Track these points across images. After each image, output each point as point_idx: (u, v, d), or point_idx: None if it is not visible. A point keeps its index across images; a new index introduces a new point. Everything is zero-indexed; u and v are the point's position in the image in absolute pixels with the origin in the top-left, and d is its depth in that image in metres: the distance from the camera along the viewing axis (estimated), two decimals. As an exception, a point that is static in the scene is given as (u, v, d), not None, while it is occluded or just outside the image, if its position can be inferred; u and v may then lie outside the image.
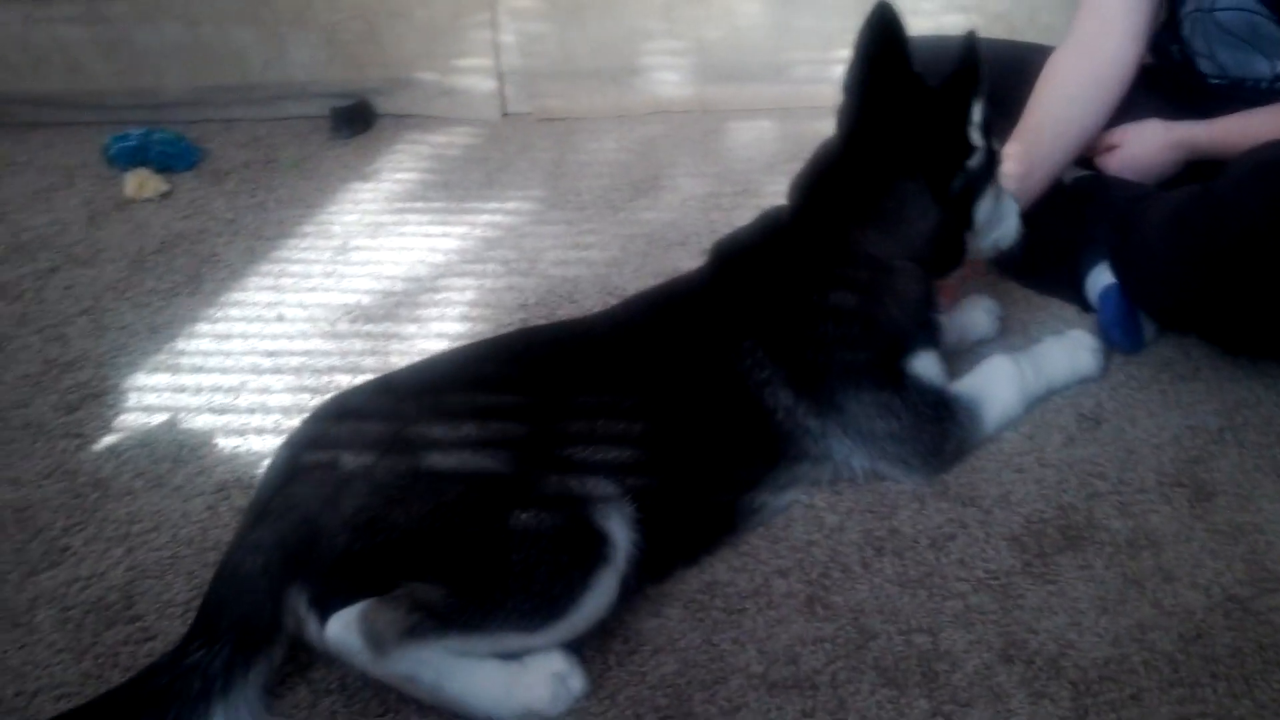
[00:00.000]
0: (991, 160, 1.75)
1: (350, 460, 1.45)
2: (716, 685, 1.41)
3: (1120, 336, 1.91)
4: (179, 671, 1.33)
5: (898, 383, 1.68)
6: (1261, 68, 1.89)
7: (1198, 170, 1.90)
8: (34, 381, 2.10)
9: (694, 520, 1.59)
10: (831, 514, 1.66)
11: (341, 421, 1.56)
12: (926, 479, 1.70)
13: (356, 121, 3.10)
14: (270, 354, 2.16)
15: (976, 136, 1.70)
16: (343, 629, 1.32)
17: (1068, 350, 1.88)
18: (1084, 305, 2.03)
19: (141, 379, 2.10)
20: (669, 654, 1.46)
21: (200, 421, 1.97)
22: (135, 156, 2.92)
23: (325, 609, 1.35)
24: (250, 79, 3.16)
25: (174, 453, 1.88)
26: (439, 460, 1.45)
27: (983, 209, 1.76)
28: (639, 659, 1.45)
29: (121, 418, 1.99)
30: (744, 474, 1.63)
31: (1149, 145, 1.96)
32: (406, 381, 1.67)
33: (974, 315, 2.01)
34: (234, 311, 2.32)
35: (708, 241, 1.86)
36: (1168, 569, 1.52)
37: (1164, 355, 1.92)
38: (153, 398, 2.04)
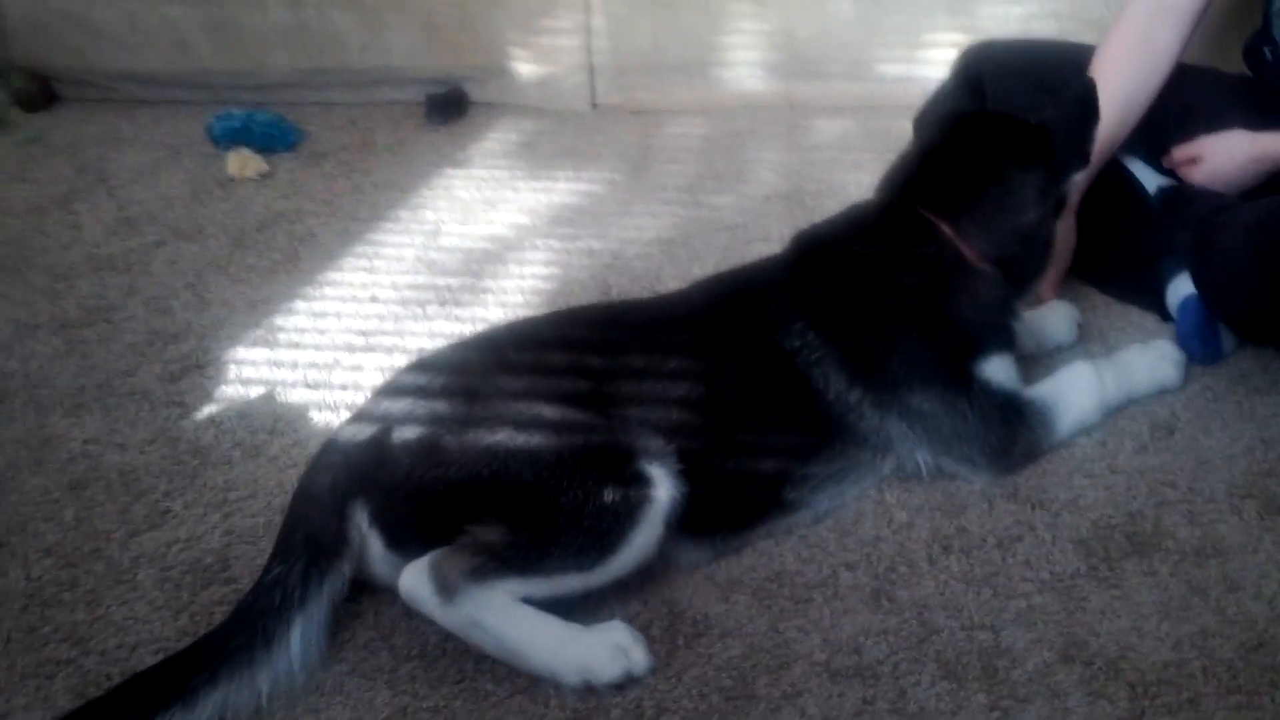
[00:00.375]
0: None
1: (420, 403, 1.58)
2: (780, 670, 1.46)
3: (1198, 347, 1.92)
4: (261, 588, 1.47)
5: (965, 383, 1.71)
6: None
7: (1280, 182, 1.90)
8: (140, 351, 2.20)
9: (738, 484, 1.65)
10: (901, 511, 1.70)
11: (415, 372, 1.70)
12: (993, 478, 1.73)
13: (450, 108, 3.18)
14: (363, 333, 2.24)
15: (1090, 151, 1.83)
16: (414, 577, 1.45)
17: (1150, 360, 1.89)
18: (1163, 314, 2.04)
19: (241, 353, 2.19)
20: (735, 638, 1.51)
21: (295, 396, 2.06)
22: (238, 136, 3.02)
23: (385, 528, 1.49)
24: (349, 63, 3.24)
25: (270, 424, 1.97)
26: (501, 407, 1.56)
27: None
28: (706, 641, 1.51)
29: (221, 389, 2.09)
30: (788, 448, 1.68)
31: (1234, 157, 1.95)
32: (479, 340, 1.82)
33: (1054, 320, 2.03)
34: (329, 290, 2.41)
35: (786, 237, 1.90)
36: (1233, 579, 1.53)
37: (1241, 368, 1.92)
38: (251, 371, 2.14)
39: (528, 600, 1.46)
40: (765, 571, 1.61)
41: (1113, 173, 2.17)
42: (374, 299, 2.36)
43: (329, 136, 3.14)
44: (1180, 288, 1.97)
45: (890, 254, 1.77)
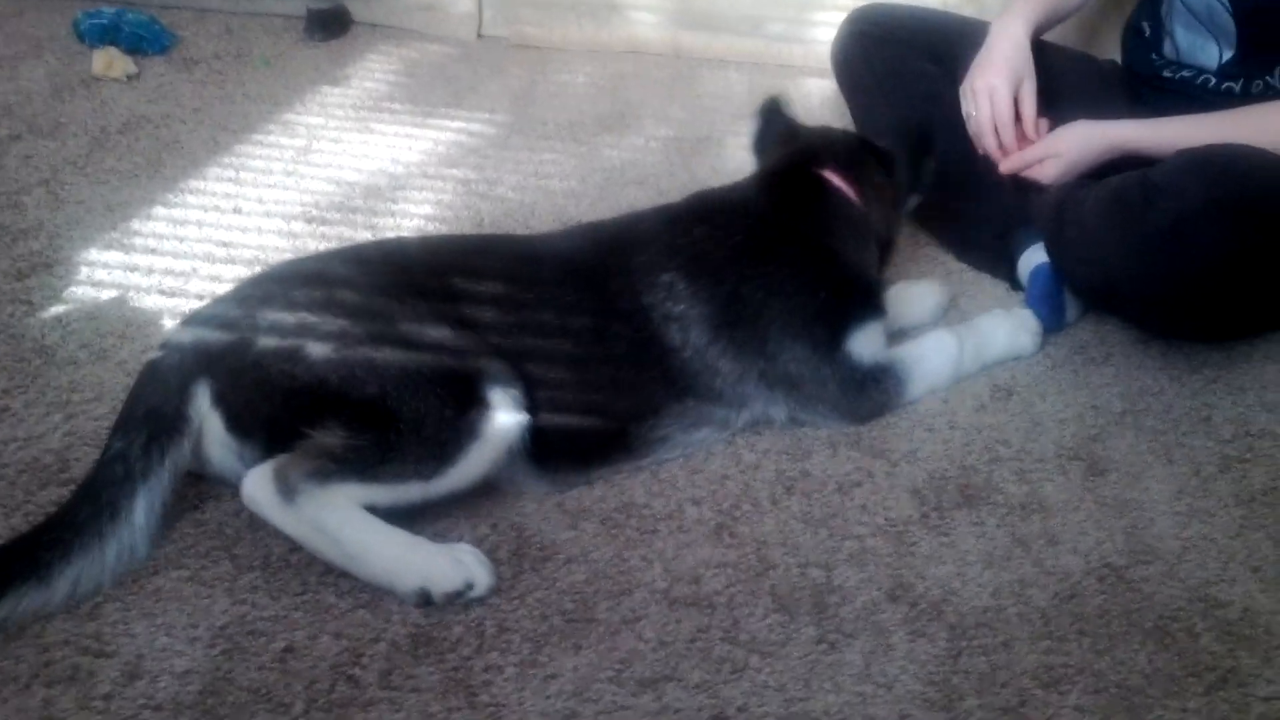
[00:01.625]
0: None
1: (279, 303, 1.58)
2: (621, 596, 1.49)
3: (1045, 314, 2.00)
4: (104, 463, 1.48)
5: (835, 347, 1.76)
6: (1212, 56, 1.97)
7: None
8: (-10, 247, 2.12)
9: (583, 424, 1.68)
10: (750, 452, 1.74)
11: (278, 274, 1.74)
12: (841, 428, 1.79)
13: (332, 25, 3.10)
14: (224, 244, 2.19)
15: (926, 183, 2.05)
16: (256, 480, 1.46)
17: (1010, 330, 1.96)
18: (1015, 284, 2.12)
19: (94, 254, 2.13)
20: (580, 564, 1.54)
21: (149, 301, 2.01)
22: (106, 35, 2.90)
23: (227, 410, 1.51)
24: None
25: (120, 329, 1.92)
26: (355, 319, 1.57)
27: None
28: (551, 566, 1.54)
29: (71, 289, 2.02)
30: (639, 399, 1.70)
31: (1090, 149, 2.02)
32: (346, 254, 1.82)
33: (920, 296, 2.09)
34: (191, 199, 2.34)
35: (665, 183, 1.94)
36: (1053, 534, 1.62)
37: (1081, 338, 2.02)
38: (103, 274, 2.07)
39: (372, 510, 1.47)
40: (615, 502, 1.64)
41: (973, 146, 2.24)
42: (237, 210, 2.30)
43: (203, 43, 3.04)
44: (1032, 258, 2.05)
45: (780, 209, 1.83)
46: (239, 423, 1.51)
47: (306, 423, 1.47)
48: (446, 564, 1.47)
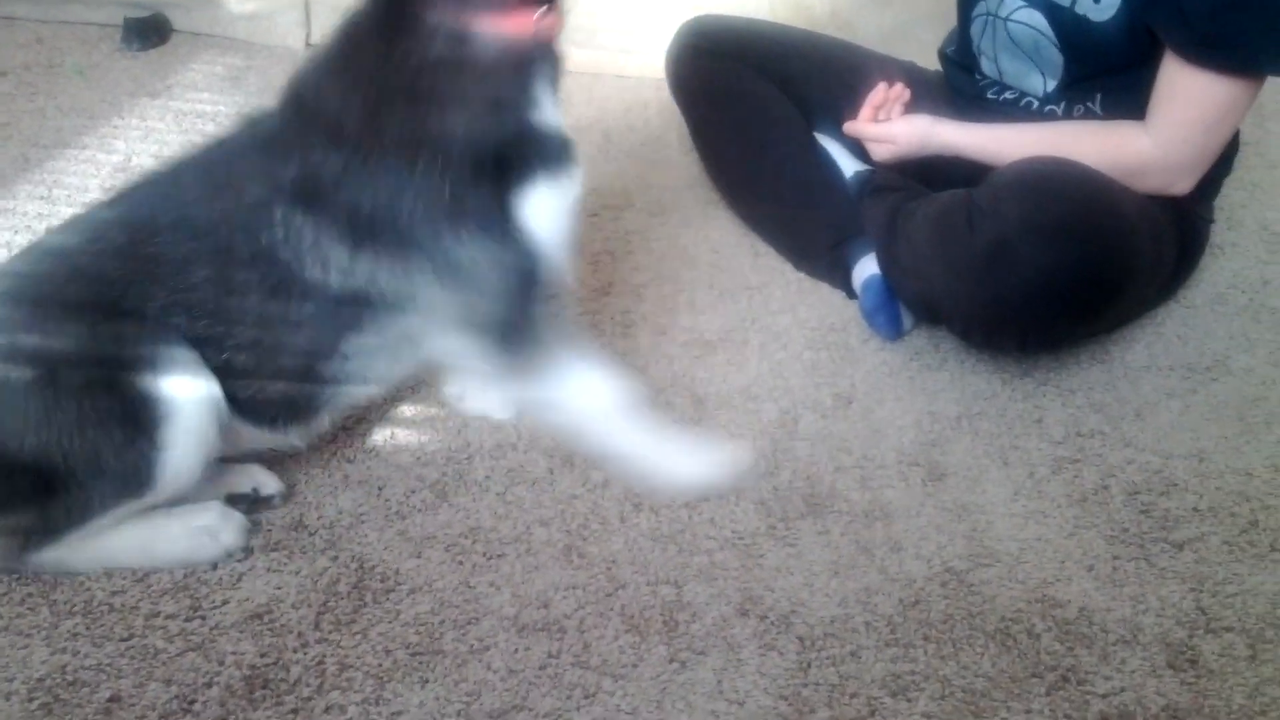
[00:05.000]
0: None
1: None
2: (469, 625, 1.46)
3: (882, 323, 2.04)
4: None
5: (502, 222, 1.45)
6: (1036, 84, 2.03)
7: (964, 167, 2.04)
8: None
9: (271, 380, 1.53)
10: (597, 470, 1.72)
11: None
12: (499, 360, 1.56)
13: (150, 34, 2.97)
14: (36, 267, 2.06)
15: None
16: None
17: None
18: (849, 293, 2.16)
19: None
20: (425, 594, 1.50)
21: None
22: (-100, 44, 2.73)
23: None
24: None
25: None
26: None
27: None
28: (395, 597, 1.49)
29: None
30: (305, 344, 1.52)
31: (923, 146, 2.07)
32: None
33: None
34: (1, 220, 2.21)
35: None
36: (897, 539, 1.64)
37: (916, 345, 2.06)
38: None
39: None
40: (460, 527, 1.61)
41: (812, 153, 2.28)
42: (49, 231, 2.17)
43: (10, 53, 2.87)
44: (866, 268, 2.10)
45: (376, 65, 1.42)
46: None
47: None
48: (187, 543, 1.47)
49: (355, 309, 1.49)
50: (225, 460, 1.58)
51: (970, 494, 1.74)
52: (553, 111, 1.46)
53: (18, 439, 1.35)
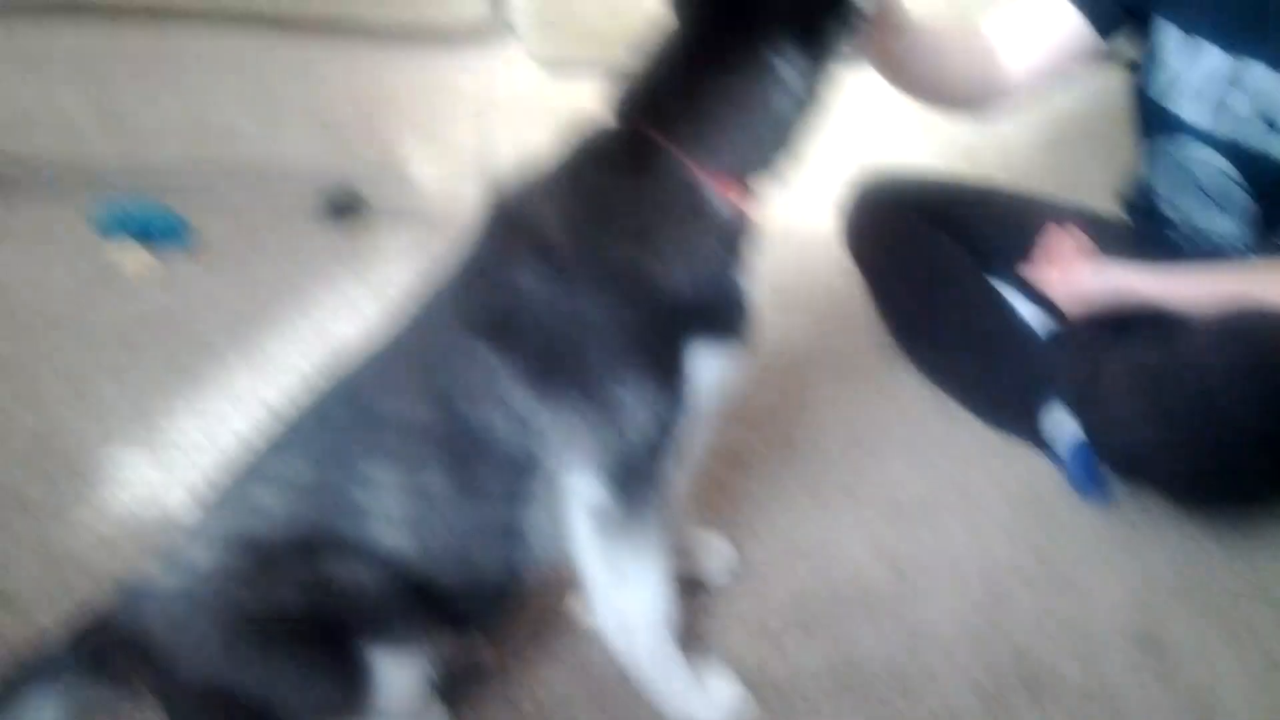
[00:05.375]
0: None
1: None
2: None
3: (1087, 485, 1.99)
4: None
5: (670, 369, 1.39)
6: (1224, 226, 1.98)
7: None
8: (14, 450, 2.10)
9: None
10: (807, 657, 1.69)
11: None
12: (596, 541, 1.44)
13: (347, 209, 3.15)
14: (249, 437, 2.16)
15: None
16: None
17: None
18: (1049, 451, 2.11)
19: (119, 453, 2.10)
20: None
21: (175, 499, 1.97)
22: (124, 227, 2.94)
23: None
24: (243, 158, 3.19)
25: (147, 531, 1.88)
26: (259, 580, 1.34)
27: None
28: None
29: (100, 495, 1.99)
30: (493, 528, 1.43)
31: (1110, 295, 2.01)
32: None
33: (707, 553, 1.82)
34: (213, 391, 2.33)
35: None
36: (1122, 717, 1.56)
37: (1125, 508, 1.99)
38: (131, 473, 2.05)
39: None
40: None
41: (997, 307, 2.25)
42: (260, 402, 2.29)
43: (219, 231, 3.06)
44: (1065, 426, 2.04)
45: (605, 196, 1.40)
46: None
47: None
48: None
49: (527, 473, 1.41)
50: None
51: (1199, 674, 1.65)
52: (746, 277, 1.46)
53: (237, 678, 1.32)
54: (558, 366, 1.36)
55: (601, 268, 1.36)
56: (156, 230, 2.95)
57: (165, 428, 2.19)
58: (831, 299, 2.72)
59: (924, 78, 1.95)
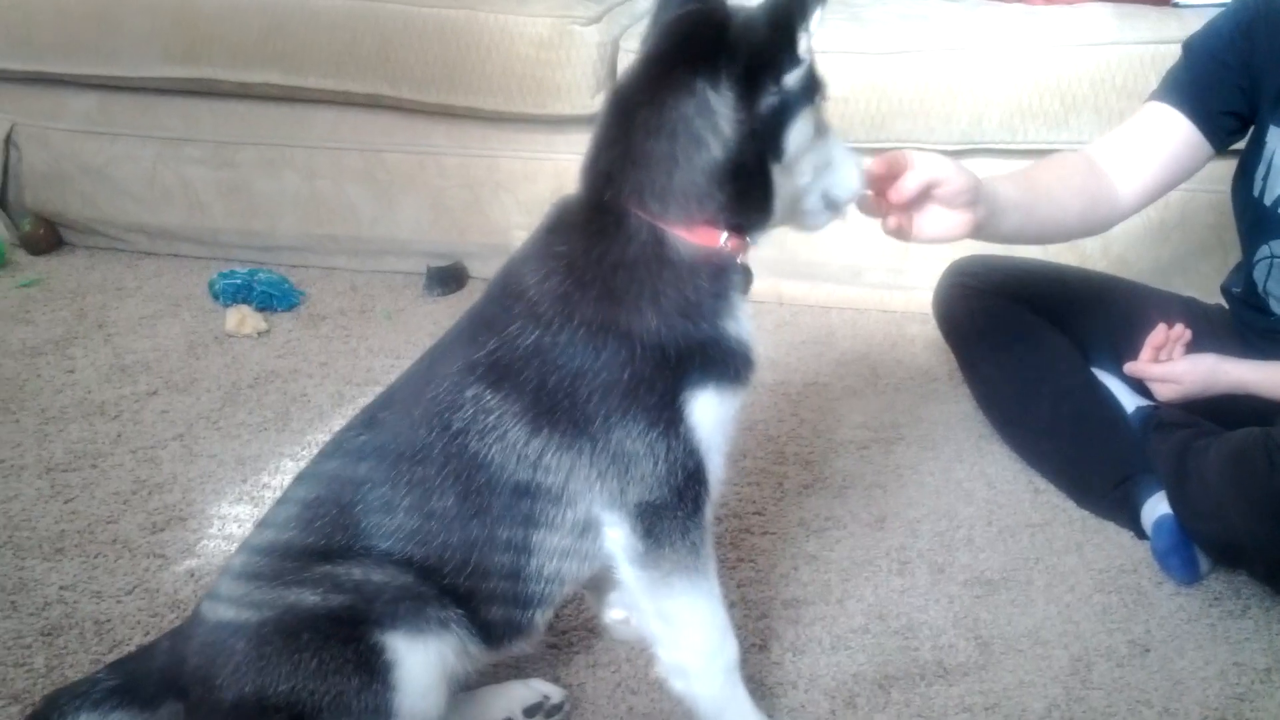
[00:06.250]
0: (815, 87, 1.44)
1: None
2: None
3: (1177, 566, 1.96)
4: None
5: (672, 421, 1.42)
6: None
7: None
8: (124, 499, 2.20)
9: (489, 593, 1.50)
10: (879, 714, 1.69)
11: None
12: (646, 557, 1.47)
13: (450, 281, 3.26)
14: (349, 496, 2.24)
15: (805, 47, 1.37)
16: None
17: None
18: (1139, 532, 2.08)
19: (225, 508, 2.20)
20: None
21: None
22: (239, 294, 3.09)
23: None
24: (357, 233, 3.34)
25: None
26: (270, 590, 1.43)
27: (796, 137, 1.42)
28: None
29: (203, 543, 2.08)
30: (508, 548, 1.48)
31: (1210, 387, 2.02)
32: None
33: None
34: (314, 446, 2.39)
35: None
36: (1209, 805, 1.53)
37: (1214, 590, 1.95)
38: (235, 527, 2.13)
39: None
40: None
41: (1091, 388, 2.25)
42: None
43: (329, 299, 3.20)
44: (1156, 507, 2.02)
45: (570, 252, 1.44)
46: None
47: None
48: None
49: (532, 502, 1.46)
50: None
51: (1289, 757, 1.61)
52: (739, 321, 1.46)
53: (270, 685, 1.37)
54: (555, 412, 1.41)
55: (582, 328, 1.40)
56: (270, 296, 3.10)
57: (267, 482, 2.29)
58: (924, 375, 2.73)
59: (1044, 235, 2.10)
